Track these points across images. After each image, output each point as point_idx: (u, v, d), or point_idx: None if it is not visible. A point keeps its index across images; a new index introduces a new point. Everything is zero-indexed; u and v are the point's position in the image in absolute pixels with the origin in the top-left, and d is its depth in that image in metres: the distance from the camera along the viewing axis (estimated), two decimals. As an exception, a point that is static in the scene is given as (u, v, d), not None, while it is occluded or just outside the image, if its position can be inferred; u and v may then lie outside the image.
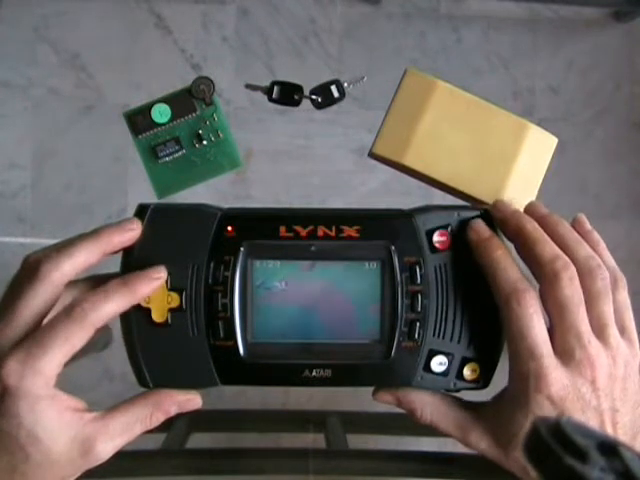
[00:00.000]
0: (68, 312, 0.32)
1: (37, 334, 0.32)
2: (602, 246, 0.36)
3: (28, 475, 0.32)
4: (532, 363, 0.33)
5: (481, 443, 0.35)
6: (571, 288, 0.33)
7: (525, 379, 0.33)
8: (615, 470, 0.19)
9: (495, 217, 0.36)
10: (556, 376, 0.32)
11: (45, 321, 0.33)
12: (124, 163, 1.13)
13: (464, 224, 0.36)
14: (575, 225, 0.37)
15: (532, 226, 0.35)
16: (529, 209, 0.37)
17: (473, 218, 0.36)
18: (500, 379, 0.36)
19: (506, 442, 0.34)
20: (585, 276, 0.33)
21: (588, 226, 0.37)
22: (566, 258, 0.33)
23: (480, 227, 0.36)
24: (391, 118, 0.39)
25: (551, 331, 0.33)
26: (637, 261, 1.16)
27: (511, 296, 0.33)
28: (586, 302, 0.33)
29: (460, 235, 0.36)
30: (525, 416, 0.33)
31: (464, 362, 0.36)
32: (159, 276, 0.35)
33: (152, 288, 0.34)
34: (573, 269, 0.33)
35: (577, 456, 0.19)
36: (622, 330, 0.34)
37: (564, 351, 0.33)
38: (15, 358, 0.31)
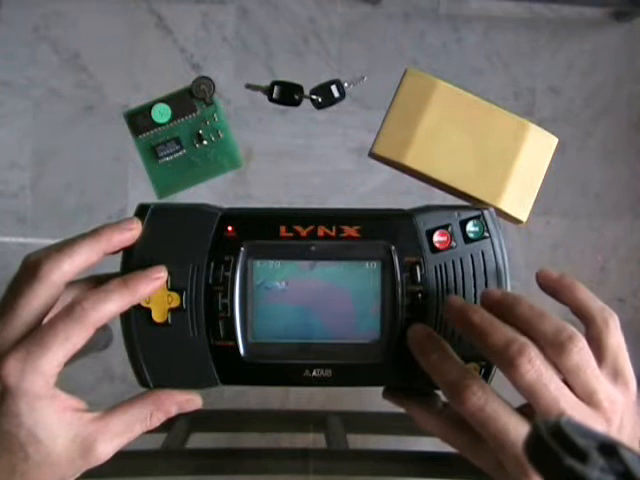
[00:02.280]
0: (68, 311, 0.32)
1: (37, 333, 0.32)
2: (578, 287, 0.33)
3: (28, 475, 0.32)
4: (505, 454, 0.31)
5: (477, 463, 0.34)
6: (533, 371, 0.30)
7: (507, 464, 0.31)
8: (615, 470, 0.19)
9: (447, 316, 0.34)
10: None
11: (45, 321, 0.33)
12: (124, 163, 1.13)
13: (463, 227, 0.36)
14: (540, 280, 0.34)
15: (479, 316, 0.32)
16: (483, 299, 0.34)
17: (473, 218, 0.36)
18: (500, 379, 0.36)
19: None
20: (558, 353, 0.31)
21: (554, 274, 0.34)
22: (521, 340, 0.31)
23: (417, 331, 0.34)
24: (391, 118, 0.39)
25: (530, 409, 0.31)
26: (637, 260, 1.16)
27: (453, 398, 0.32)
28: (567, 376, 0.31)
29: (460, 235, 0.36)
30: None
31: (464, 362, 0.35)
32: (159, 276, 0.35)
33: (152, 288, 0.34)
34: (531, 349, 0.30)
35: (577, 456, 0.19)
36: (615, 374, 0.32)
37: None
38: (15, 357, 0.31)
